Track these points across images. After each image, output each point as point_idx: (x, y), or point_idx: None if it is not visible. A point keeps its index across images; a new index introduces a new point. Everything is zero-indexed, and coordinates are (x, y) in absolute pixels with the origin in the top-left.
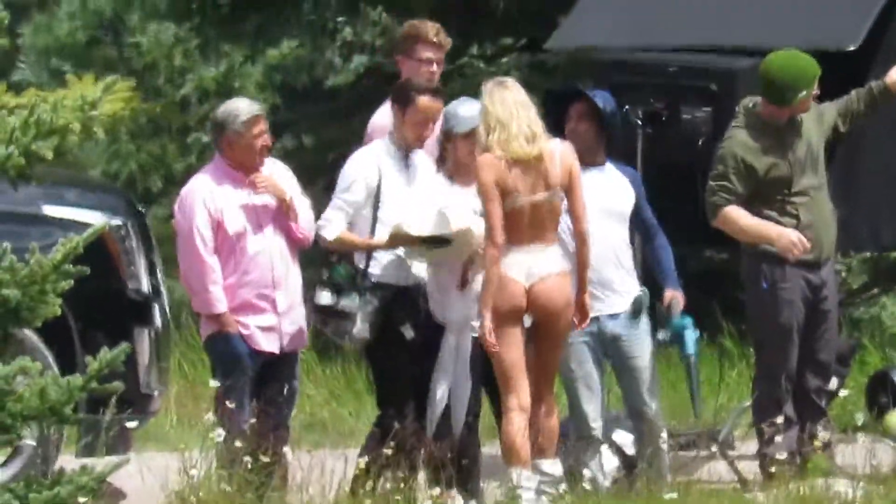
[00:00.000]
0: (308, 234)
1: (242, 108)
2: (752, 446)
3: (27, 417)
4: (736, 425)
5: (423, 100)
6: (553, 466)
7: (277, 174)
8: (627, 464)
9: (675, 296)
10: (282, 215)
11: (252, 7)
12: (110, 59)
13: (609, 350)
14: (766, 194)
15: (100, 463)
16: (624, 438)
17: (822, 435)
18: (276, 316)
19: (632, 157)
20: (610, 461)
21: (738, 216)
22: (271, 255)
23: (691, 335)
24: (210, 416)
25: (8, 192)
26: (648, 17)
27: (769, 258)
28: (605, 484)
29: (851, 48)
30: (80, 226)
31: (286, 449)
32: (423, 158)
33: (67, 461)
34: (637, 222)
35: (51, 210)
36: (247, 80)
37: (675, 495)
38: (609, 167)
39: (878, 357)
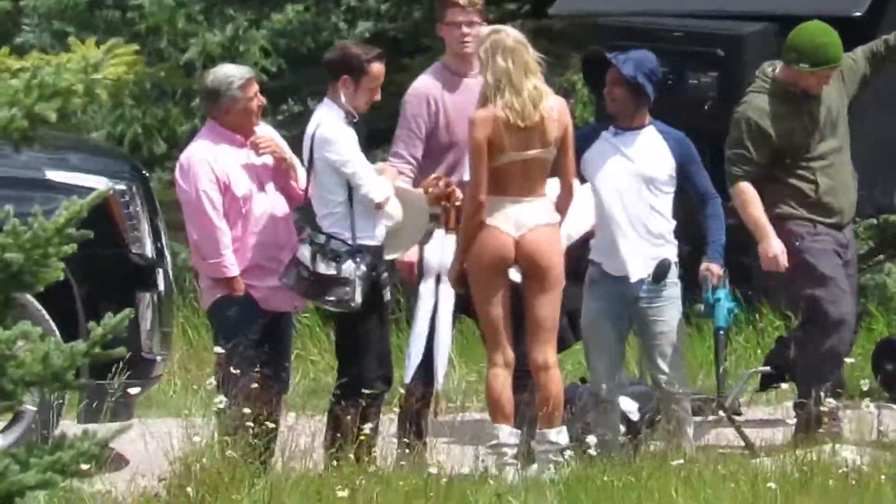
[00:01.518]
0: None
1: (235, 72)
2: (758, 412)
3: (29, 383)
4: (742, 391)
5: (376, 66)
6: (559, 435)
7: (270, 135)
8: (632, 430)
9: (708, 268)
10: (280, 175)
11: None
12: (113, 22)
13: (631, 312)
14: (784, 160)
15: (102, 429)
16: (629, 405)
17: (829, 401)
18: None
19: None
20: None
21: (748, 200)
22: (275, 216)
23: (722, 309)
24: (212, 382)
25: (11, 157)
26: None
27: (793, 219)
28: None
29: (857, 14)
30: (84, 190)
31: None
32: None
33: (69, 427)
34: (688, 188)
35: (54, 174)
36: (252, 44)
37: (681, 461)
38: (649, 130)
39: (883, 324)
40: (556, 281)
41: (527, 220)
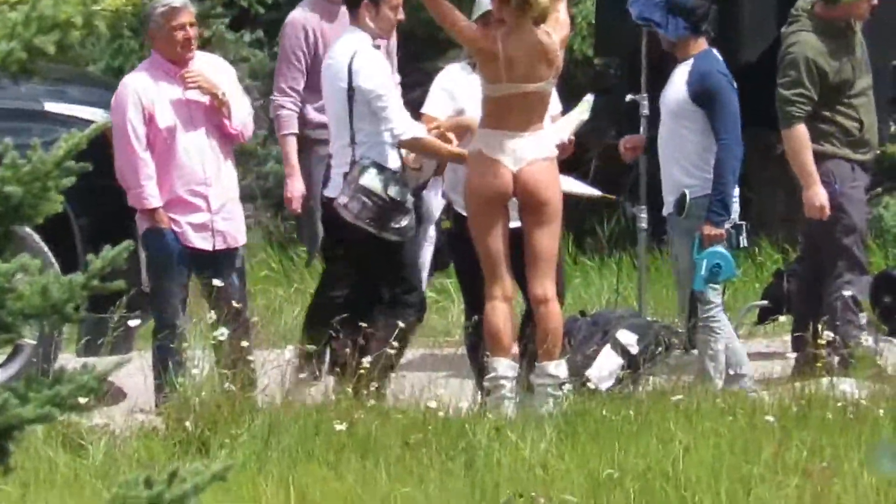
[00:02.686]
0: (243, 131)
1: (163, 0)
2: (755, 345)
3: (28, 316)
4: (741, 324)
5: None
6: (558, 368)
7: (213, 69)
8: (632, 364)
9: (701, 229)
10: (214, 111)
11: None
12: None
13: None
14: (831, 98)
15: (101, 362)
16: (628, 338)
17: (827, 334)
18: (209, 213)
19: (636, 55)
20: (613, 360)
21: (803, 144)
22: (202, 152)
23: (699, 270)
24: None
25: (10, 89)
26: None
27: (835, 157)
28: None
29: None
30: (83, 122)
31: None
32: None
33: (68, 360)
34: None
35: (53, 106)
36: None
37: (680, 396)
38: (687, 63)
39: (880, 257)
40: (554, 214)
41: (525, 154)
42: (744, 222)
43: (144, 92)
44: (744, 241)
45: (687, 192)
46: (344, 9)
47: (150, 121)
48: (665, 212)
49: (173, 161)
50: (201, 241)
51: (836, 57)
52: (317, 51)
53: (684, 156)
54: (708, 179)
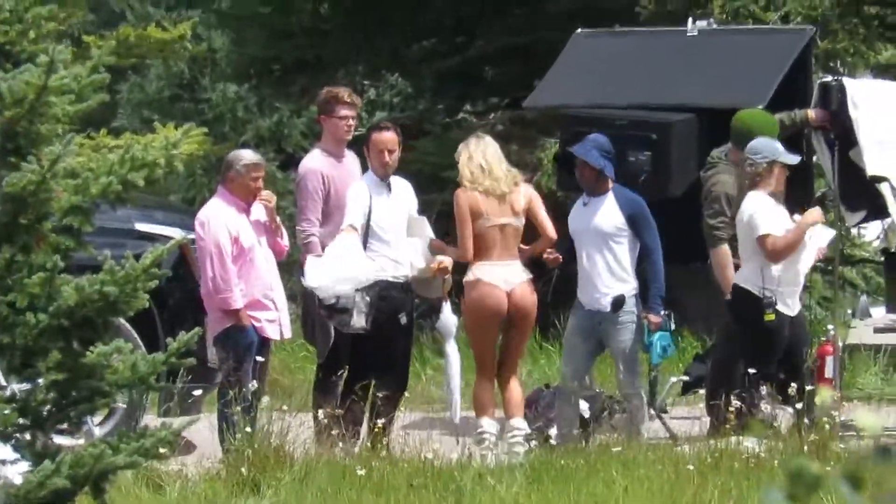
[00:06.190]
0: (286, 248)
1: (246, 155)
2: (680, 410)
3: (121, 385)
4: (669, 394)
5: (374, 135)
6: (520, 423)
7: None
8: (584, 424)
9: (647, 317)
10: (269, 232)
11: (297, 72)
12: (188, 110)
13: (598, 332)
14: None
15: (176, 421)
16: (582, 405)
17: (735, 403)
18: (277, 311)
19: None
20: None
21: (728, 262)
22: (268, 263)
23: (655, 349)
24: (252, 386)
25: (109, 212)
26: (603, 82)
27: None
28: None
29: (761, 106)
30: (164, 238)
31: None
32: (399, 182)
33: (150, 420)
34: (639, 240)
35: (142, 226)
36: (294, 129)
37: (619, 448)
38: (608, 196)
39: None
40: (532, 324)
41: (512, 278)
42: (670, 311)
43: (229, 220)
44: (672, 325)
45: (625, 294)
46: (345, 156)
47: (235, 242)
48: (591, 307)
49: (252, 272)
50: (273, 332)
51: (743, 192)
52: (329, 190)
53: (609, 267)
54: (632, 283)
